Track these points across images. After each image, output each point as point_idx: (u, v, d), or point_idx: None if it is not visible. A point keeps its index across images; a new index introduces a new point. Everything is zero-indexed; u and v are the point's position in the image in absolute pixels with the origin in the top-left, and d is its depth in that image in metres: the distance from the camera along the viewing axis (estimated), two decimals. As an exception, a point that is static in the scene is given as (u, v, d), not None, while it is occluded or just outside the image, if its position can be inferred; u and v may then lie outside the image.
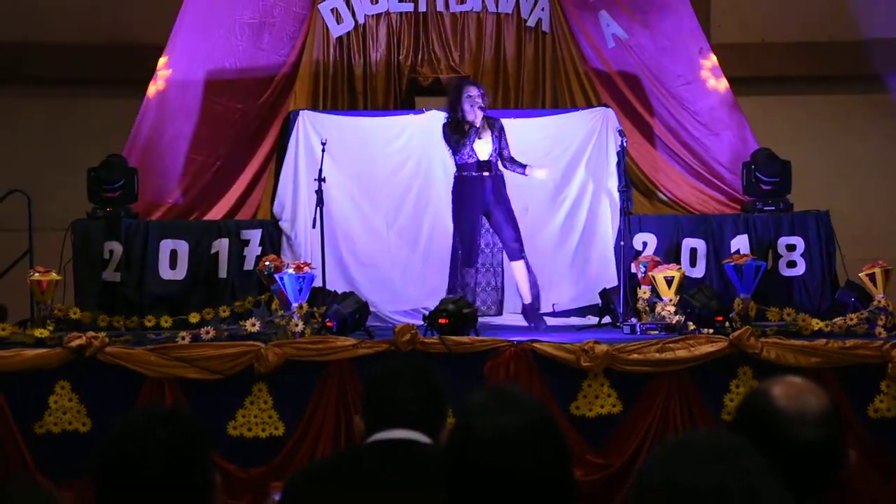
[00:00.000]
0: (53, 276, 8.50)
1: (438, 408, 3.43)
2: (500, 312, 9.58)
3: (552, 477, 2.50)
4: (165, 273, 9.60)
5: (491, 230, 9.34)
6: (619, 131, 9.70)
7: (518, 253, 9.15)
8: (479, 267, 9.34)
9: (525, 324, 9.25)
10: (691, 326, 8.42)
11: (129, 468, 2.69)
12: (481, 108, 9.04)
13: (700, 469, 2.03)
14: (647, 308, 8.97)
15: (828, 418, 2.55)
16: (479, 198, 9.12)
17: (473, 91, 9.13)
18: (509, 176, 9.27)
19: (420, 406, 3.38)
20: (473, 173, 9.10)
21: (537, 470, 2.48)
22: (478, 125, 9.04)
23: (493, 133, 9.14)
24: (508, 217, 9.16)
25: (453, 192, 9.24)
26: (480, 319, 8.89)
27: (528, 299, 9.16)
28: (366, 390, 3.55)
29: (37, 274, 8.47)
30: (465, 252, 9.15)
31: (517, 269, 9.17)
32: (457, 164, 9.17)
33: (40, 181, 10.70)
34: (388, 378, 3.47)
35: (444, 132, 9.18)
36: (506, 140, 9.23)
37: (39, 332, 8.00)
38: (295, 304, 7.99)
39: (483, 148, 9.09)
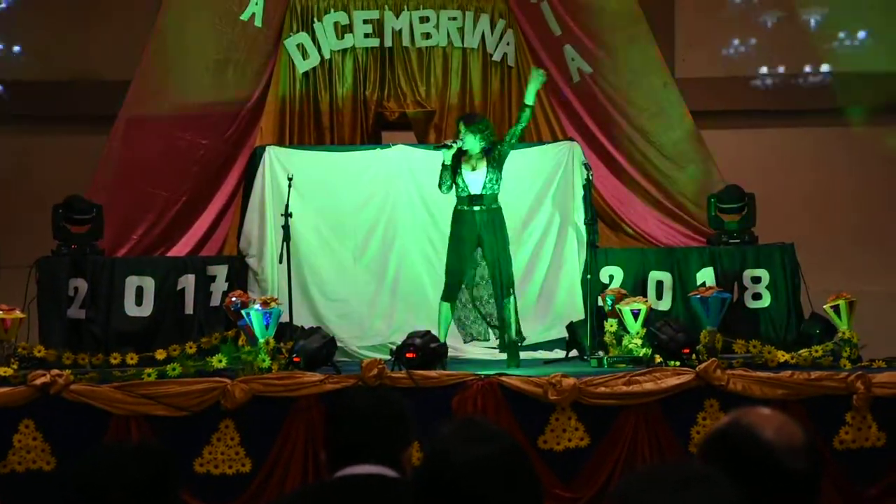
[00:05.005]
0: (17, 314, 8.44)
1: (403, 439, 3.41)
2: (487, 339, 9.41)
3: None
4: (131, 310, 9.56)
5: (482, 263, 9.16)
6: (585, 164, 9.73)
7: (509, 292, 9.02)
8: (463, 302, 9.18)
9: (494, 358, 9.20)
10: (658, 359, 8.43)
11: (97, 503, 2.67)
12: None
13: (665, 499, 2.01)
14: (614, 341, 8.98)
15: (812, 448, 2.55)
16: (469, 232, 8.98)
17: (460, 125, 9.00)
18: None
19: (383, 440, 3.37)
20: (465, 207, 9.00)
21: (510, 500, 2.47)
22: (447, 162, 8.88)
23: (489, 163, 8.97)
24: (504, 254, 9.02)
25: (451, 225, 9.10)
26: (456, 351, 8.94)
27: (513, 335, 9.04)
28: (327, 427, 3.53)
29: (0, 312, 8.40)
30: (447, 286, 9.06)
31: (506, 306, 9.03)
32: (455, 197, 9.09)
33: (4, 218, 10.65)
34: (350, 413, 3.45)
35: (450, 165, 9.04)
36: (506, 142, 8.97)
37: (3, 371, 7.93)
38: (262, 340, 7.96)
39: (476, 180, 8.96)
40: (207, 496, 7.51)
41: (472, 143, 8.91)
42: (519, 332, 9.06)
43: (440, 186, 8.99)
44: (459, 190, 8.97)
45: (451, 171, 8.93)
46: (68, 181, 10.36)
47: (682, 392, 7.78)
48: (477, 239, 8.97)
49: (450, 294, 9.04)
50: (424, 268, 9.83)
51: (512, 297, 8.99)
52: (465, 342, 9.27)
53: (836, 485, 7.70)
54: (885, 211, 12.26)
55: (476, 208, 8.96)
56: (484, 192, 8.95)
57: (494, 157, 8.95)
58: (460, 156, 8.97)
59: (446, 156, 8.92)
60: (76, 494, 2.72)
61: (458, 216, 9.02)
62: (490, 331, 9.17)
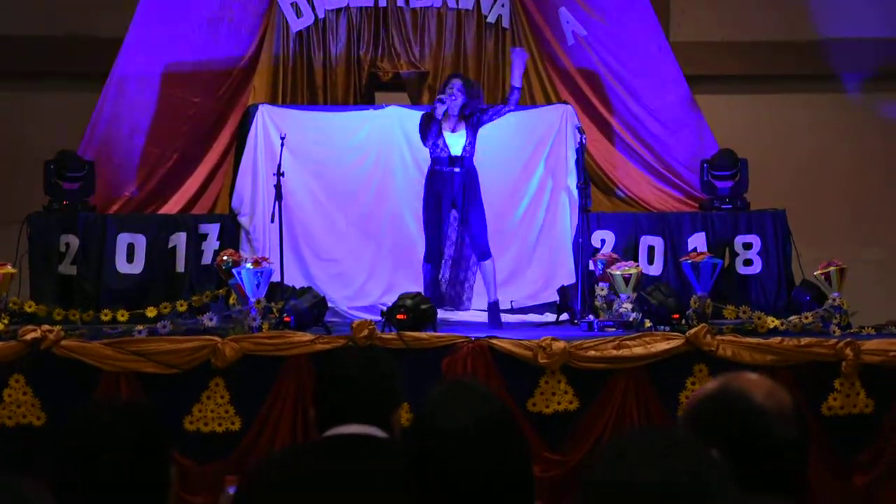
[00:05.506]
0: (9, 269, 8.43)
1: (392, 400, 3.42)
2: (467, 307, 9.50)
3: (512, 471, 2.51)
4: (123, 267, 9.55)
5: (459, 225, 9.24)
6: (578, 128, 9.71)
7: (486, 254, 9.11)
8: (446, 260, 9.26)
9: (485, 320, 9.23)
10: (648, 324, 8.44)
11: (91, 462, 2.67)
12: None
13: (645, 466, 2.00)
14: (605, 305, 8.98)
15: (801, 415, 2.56)
16: (447, 193, 9.05)
17: (451, 81, 9.10)
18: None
19: (373, 400, 3.37)
20: (444, 168, 9.04)
21: (498, 463, 2.48)
22: (438, 117, 8.99)
23: (468, 126, 9.05)
24: (478, 216, 9.08)
25: (425, 185, 9.18)
26: (446, 313, 8.98)
27: (493, 297, 9.13)
28: (317, 386, 3.54)
29: (-8, 267, 8.39)
30: (427, 247, 9.12)
31: (484, 268, 9.13)
32: (431, 157, 9.11)
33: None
34: (339, 373, 3.45)
35: (420, 123, 9.10)
36: (489, 114, 9.10)
37: (-6, 326, 7.94)
38: (253, 299, 7.96)
39: (456, 142, 9.01)
40: (197, 454, 7.52)
41: (457, 102, 8.95)
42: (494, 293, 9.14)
43: (425, 136, 9.03)
44: (439, 150, 9.01)
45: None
46: (61, 137, 10.33)
47: (671, 357, 7.80)
48: (453, 200, 9.03)
49: (431, 255, 9.10)
50: (416, 229, 9.82)
51: (490, 260, 9.05)
52: (438, 306, 9.30)
53: (823, 451, 7.73)
54: (879, 178, 12.27)
55: (456, 169, 9.01)
56: (464, 155, 9.00)
57: (473, 123, 9.00)
58: (435, 117, 9.02)
59: (439, 111, 8.95)
60: (69, 455, 2.72)
61: (436, 175, 9.08)
62: (464, 298, 9.27)
